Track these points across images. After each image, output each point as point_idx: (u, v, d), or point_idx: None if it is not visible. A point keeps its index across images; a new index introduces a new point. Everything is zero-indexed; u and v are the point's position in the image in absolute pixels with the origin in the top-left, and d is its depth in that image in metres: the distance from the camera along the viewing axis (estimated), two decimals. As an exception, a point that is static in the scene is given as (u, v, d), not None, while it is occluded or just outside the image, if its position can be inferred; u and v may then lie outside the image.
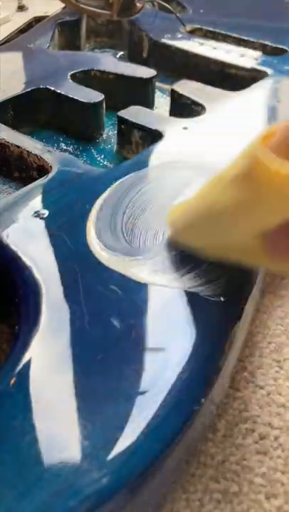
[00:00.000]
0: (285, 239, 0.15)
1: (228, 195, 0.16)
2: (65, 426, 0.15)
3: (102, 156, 0.33)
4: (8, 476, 0.14)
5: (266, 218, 0.15)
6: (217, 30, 0.46)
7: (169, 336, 0.18)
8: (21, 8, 0.51)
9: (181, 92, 0.35)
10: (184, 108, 0.34)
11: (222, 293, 0.19)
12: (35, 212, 0.22)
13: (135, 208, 0.22)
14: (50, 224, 0.22)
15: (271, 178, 0.14)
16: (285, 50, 0.42)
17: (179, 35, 0.45)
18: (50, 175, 0.25)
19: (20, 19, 0.49)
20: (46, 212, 0.22)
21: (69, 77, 0.36)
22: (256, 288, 0.21)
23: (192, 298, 0.19)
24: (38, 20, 0.49)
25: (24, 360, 0.16)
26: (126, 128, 0.32)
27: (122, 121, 0.31)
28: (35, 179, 0.25)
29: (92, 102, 0.33)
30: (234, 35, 0.45)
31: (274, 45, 0.43)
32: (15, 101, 0.33)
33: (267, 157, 0.14)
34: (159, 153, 0.27)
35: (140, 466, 0.15)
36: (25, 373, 0.16)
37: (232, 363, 0.20)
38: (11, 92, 0.33)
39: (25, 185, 0.24)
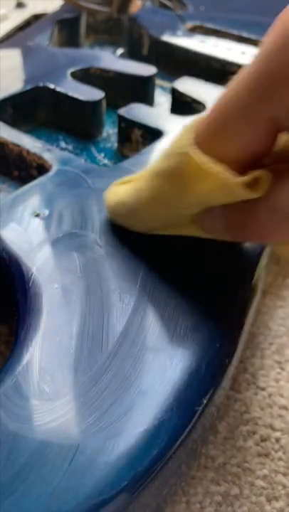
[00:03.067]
0: (213, 220, 0.18)
1: (164, 188, 0.17)
2: (65, 427, 0.15)
3: (103, 155, 0.33)
4: (8, 477, 0.14)
5: (199, 206, 0.17)
6: (218, 28, 0.46)
7: (170, 335, 0.18)
8: (20, 5, 0.50)
9: (181, 89, 0.34)
10: (184, 106, 0.34)
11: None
12: (35, 212, 0.22)
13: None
14: (50, 224, 0.21)
15: (203, 178, 0.15)
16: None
17: (180, 33, 0.45)
18: (50, 174, 0.25)
19: (19, 16, 0.48)
20: (46, 212, 0.22)
21: (69, 74, 0.36)
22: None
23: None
24: (36, 17, 0.48)
25: (24, 362, 0.16)
26: (126, 126, 0.31)
27: (122, 119, 0.31)
28: (35, 178, 0.25)
29: (92, 100, 0.33)
30: (235, 32, 0.45)
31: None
32: (14, 99, 0.33)
33: (198, 155, 0.15)
34: (159, 152, 0.27)
35: (140, 468, 0.15)
36: (25, 375, 0.16)
37: (234, 363, 0.20)
38: (10, 90, 0.33)
39: (24, 184, 0.24)
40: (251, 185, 0.15)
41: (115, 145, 0.34)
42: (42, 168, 0.27)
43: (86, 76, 0.37)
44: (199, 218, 0.18)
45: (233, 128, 0.15)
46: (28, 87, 0.34)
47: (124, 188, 0.21)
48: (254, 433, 0.22)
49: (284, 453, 0.22)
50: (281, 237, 0.16)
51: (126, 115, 0.31)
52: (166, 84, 0.41)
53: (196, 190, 0.16)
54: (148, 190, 0.18)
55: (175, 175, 0.16)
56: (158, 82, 0.39)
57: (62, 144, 0.34)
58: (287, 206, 0.15)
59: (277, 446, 0.22)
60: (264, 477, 0.21)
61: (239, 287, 0.20)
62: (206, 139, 0.15)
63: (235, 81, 0.15)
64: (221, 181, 0.15)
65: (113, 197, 0.21)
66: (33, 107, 0.35)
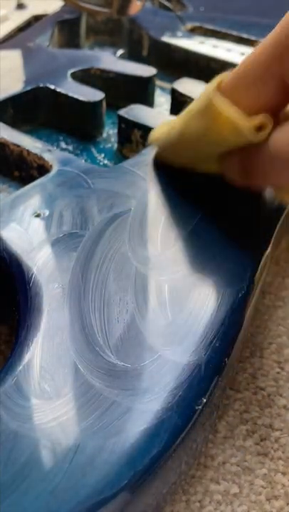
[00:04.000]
0: (235, 162, 0.21)
1: (192, 126, 0.21)
2: (66, 427, 0.15)
3: (103, 155, 0.33)
4: (8, 476, 0.14)
5: (218, 146, 0.21)
6: (217, 29, 0.46)
7: (169, 334, 0.18)
8: (20, 6, 0.50)
9: (181, 90, 0.34)
10: (184, 107, 0.34)
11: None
12: (36, 212, 0.22)
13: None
14: (51, 224, 0.21)
15: (219, 118, 0.19)
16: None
17: (179, 34, 0.45)
18: (51, 174, 0.25)
19: (19, 17, 0.48)
20: (47, 212, 0.22)
21: (69, 75, 0.36)
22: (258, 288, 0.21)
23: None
24: (37, 18, 0.49)
25: (25, 361, 0.16)
26: (126, 127, 0.31)
27: (122, 120, 0.31)
28: (36, 178, 0.25)
29: (92, 100, 0.33)
30: (234, 33, 0.45)
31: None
32: (15, 99, 0.33)
33: (218, 100, 0.19)
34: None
35: (140, 467, 0.15)
36: (25, 374, 0.16)
37: (233, 363, 0.20)
38: (11, 91, 0.33)
39: (25, 185, 0.24)
40: (259, 129, 0.18)
41: (115, 145, 0.34)
42: (42, 169, 0.27)
43: (86, 77, 0.37)
44: (222, 160, 0.21)
45: (250, 82, 0.19)
46: (29, 88, 0.34)
47: (162, 126, 0.25)
48: (253, 432, 0.22)
49: (283, 452, 0.22)
50: (281, 179, 0.19)
51: (126, 116, 0.31)
52: (166, 85, 0.41)
53: (215, 130, 0.19)
54: (179, 127, 0.22)
55: (200, 115, 0.20)
56: (158, 82, 0.39)
57: (63, 145, 0.34)
58: (285, 149, 0.18)
59: (276, 446, 0.22)
60: (263, 476, 0.21)
61: (239, 284, 0.20)
62: (229, 90, 0.19)
63: (259, 45, 0.19)
64: (234, 123, 0.18)
65: (153, 133, 0.26)
66: (34, 108, 0.35)
